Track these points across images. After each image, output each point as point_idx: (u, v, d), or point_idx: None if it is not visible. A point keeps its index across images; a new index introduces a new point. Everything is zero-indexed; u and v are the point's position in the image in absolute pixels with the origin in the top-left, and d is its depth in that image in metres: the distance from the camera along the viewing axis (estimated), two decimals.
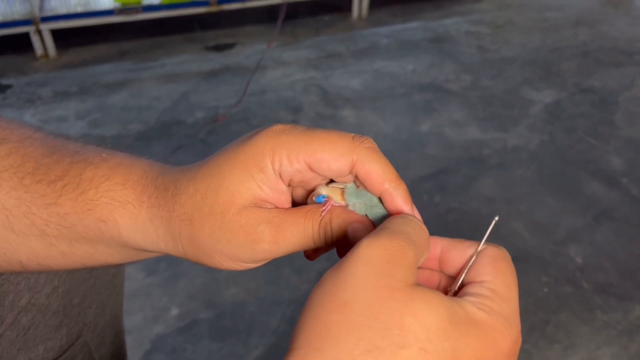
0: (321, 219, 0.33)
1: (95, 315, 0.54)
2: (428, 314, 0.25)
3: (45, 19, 2.41)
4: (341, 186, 0.34)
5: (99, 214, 0.34)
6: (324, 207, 0.34)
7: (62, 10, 2.44)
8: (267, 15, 2.87)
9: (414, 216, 0.32)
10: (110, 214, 0.34)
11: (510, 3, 3.13)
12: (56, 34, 2.51)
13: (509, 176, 1.76)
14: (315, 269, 1.41)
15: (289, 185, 0.34)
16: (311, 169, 0.33)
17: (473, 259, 0.31)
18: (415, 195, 1.66)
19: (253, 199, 0.32)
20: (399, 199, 0.33)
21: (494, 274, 0.30)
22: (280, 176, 0.33)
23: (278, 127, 0.33)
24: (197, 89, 2.27)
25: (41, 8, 2.43)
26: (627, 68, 2.41)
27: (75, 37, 2.63)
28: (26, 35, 2.46)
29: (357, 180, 0.34)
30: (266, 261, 0.34)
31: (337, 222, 0.33)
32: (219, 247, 0.33)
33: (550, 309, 1.32)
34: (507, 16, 2.96)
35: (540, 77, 2.34)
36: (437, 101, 2.17)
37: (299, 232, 0.32)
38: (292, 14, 2.83)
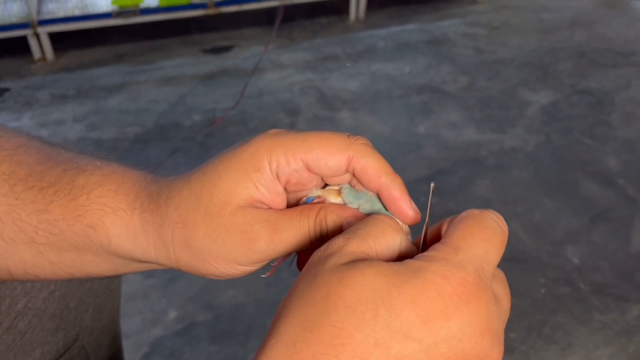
0: (316, 216, 0.32)
1: (92, 319, 0.54)
2: (354, 278, 0.25)
3: (43, 22, 2.41)
4: (336, 188, 0.35)
5: (89, 220, 0.33)
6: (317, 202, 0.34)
7: (60, 13, 2.45)
8: (264, 17, 2.87)
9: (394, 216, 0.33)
10: (100, 220, 0.33)
11: (507, 5, 3.14)
12: (54, 37, 2.51)
13: (505, 177, 1.77)
14: None
15: (285, 189, 0.34)
16: (308, 168, 0.33)
17: (426, 221, 0.32)
18: (413, 196, 1.66)
19: (249, 199, 0.32)
20: (396, 191, 0.33)
21: (454, 230, 0.29)
22: (277, 177, 0.33)
23: (275, 131, 0.33)
24: (194, 92, 2.27)
25: (39, 11, 2.43)
26: (623, 69, 2.42)
27: (73, 40, 2.63)
28: (24, 39, 2.46)
29: (353, 180, 0.34)
30: (262, 263, 0.33)
31: (332, 218, 0.33)
32: (214, 249, 0.32)
33: (547, 310, 1.33)
34: (503, 18, 2.96)
35: (536, 79, 2.35)
36: (434, 103, 2.18)
37: (294, 230, 0.32)
38: (289, 16, 2.84)
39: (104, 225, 0.33)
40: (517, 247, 1.49)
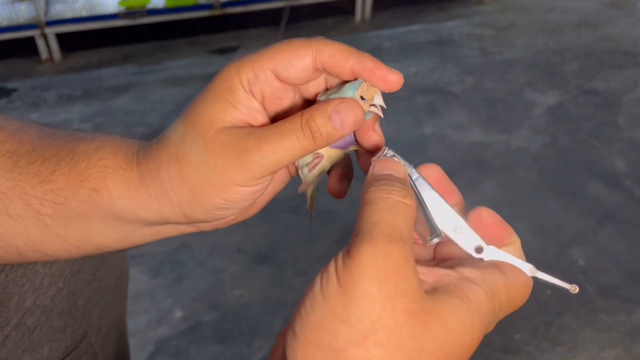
0: (301, 116, 0.32)
1: (100, 317, 0.54)
2: (445, 338, 0.27)
3: (51, 23, 2.43)
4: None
5: (91, 183, 0.34)
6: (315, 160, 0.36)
7: (67, 14, 2.46)
8: (270, 18, 2.88)
9: (392, 181, 0.32)
10: (102, 181, 0.34)
11: (513, 5, 3.13)
12: (61, 38, 2.52)
13: (511, 178, 1.76)
14: (318, 270, 1.41)
15: (265, 108, 0.35)
16: (277, 76, 0.33)
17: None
18: None
19: (231, 120, 0.33)
20: (370, 62, 0.33)
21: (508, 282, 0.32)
22: (252, 93, 0.34)
23: (240, 55, 0.35)
24: None
25: (46, 12, 2.45)
26: (630, 69, 2.41)
27: (80, 40, 2.64)
28: (31, 39, 2.47)
29: (327, 78, 0.35)
30: (263, 178, 0.33)
31: (318, 112, 0.32)
32: (208, 174, 0.32)
33: (553, 311, 1.32)
34: (509, 18, 2.96)
35: (543, 79, 2.34)
36: (439, 103, 2.17)
37: (281, 136, 0.32)
38: (295, 17, 2.84)
39: (107, 186, 0.34)
40: (522, 248, 1.48)
